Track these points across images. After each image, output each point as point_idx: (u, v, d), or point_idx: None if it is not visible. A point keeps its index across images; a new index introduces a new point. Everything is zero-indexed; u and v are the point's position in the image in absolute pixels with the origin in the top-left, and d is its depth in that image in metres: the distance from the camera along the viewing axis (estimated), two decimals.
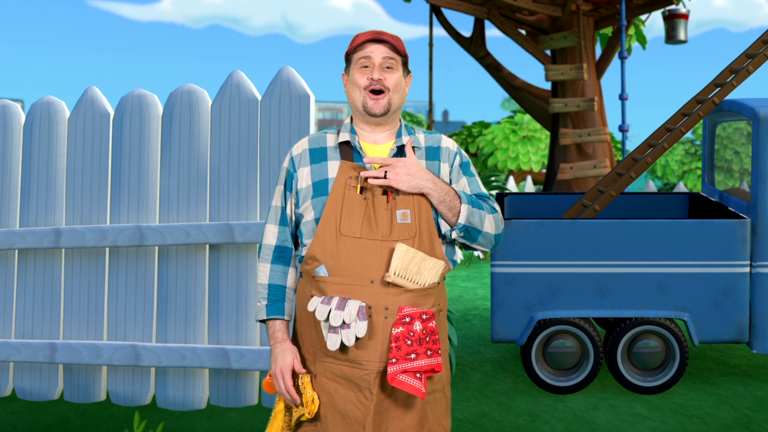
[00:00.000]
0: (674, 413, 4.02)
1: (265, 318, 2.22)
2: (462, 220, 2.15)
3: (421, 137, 2.27)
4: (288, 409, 2.18)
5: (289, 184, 2.25)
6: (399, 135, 2.23)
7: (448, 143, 2.29)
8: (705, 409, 4.09)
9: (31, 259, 4.23)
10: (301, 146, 2.25)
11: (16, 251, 4.28)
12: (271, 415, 2.19)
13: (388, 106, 2.17)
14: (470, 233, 2.19)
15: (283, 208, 2.25)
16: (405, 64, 2.23)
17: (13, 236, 4.14)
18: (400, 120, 2.28)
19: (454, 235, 2.18)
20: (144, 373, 4.09)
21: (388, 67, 2.18)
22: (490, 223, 2.20)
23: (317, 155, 2.21)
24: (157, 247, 4.05)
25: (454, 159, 2.27)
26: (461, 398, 4.27)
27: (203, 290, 3.97)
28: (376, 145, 2.23)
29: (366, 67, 2.17)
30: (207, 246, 3.97)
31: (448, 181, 2.26)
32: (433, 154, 2.25)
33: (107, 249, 4.11)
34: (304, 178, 2.20)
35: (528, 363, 4.35)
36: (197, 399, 4.01)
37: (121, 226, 3.97)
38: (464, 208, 2.14)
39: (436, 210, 2.18)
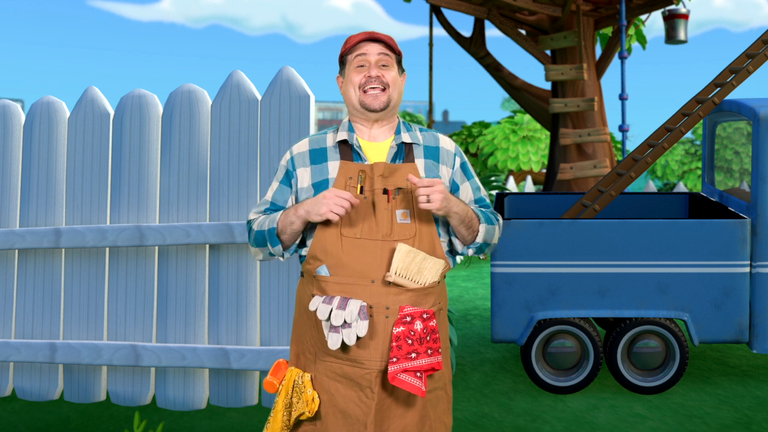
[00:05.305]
0: (674, 413, 4.02)
1: (276, 222, 2.17)
2: (480, 240, 2.22)
3: (419, 135, 2.26)
4: (287, 408, 2.18)
5: (286, 181, 2.26)
6: (398, 132, 2.23)
7: (446, 143, 2.28)
8: (705, 409, 4.09)
9: (31, 259, 4.23)
10: (302, 146, 2.25)
11: (16, 251, 4.28)
12: (270, 414, 2.19)
13: (387, 102, 2.18)
14: (482, 248, 2.26)
15: (273, 203, 2.27)
16: (399, 62, 2.24)
17: (13, 236, 4.14)
18: (397, 117, 2.28)
19: (470, 252, 2.25)
20: (144, 373, 4.09)
21: (384, 65, 2.19)
22: (497, 234, 2.28)
23: (318, 156, 2.22)
24: (157, 247, 4.05)
25: (455, 161, 2.28)
26: (461, 398, 4.27)
27: (203, 290, 3.97)
28: (374, 142, 2.22)
29: (362, 66, 2.18)
30: (207, 246, 3.97)
31: (448, 184, 2.26)
32: (431, 153, 2.24)
33: (107, 249, 4.11)
34: (305, 178, 2.21)
35: (528, 363, 4.35)
36: (197, 399, 4.01)
37: (121, 226, 3.97)
38: (482, 228, 2.20)
39: (448, 227, 2.22)
